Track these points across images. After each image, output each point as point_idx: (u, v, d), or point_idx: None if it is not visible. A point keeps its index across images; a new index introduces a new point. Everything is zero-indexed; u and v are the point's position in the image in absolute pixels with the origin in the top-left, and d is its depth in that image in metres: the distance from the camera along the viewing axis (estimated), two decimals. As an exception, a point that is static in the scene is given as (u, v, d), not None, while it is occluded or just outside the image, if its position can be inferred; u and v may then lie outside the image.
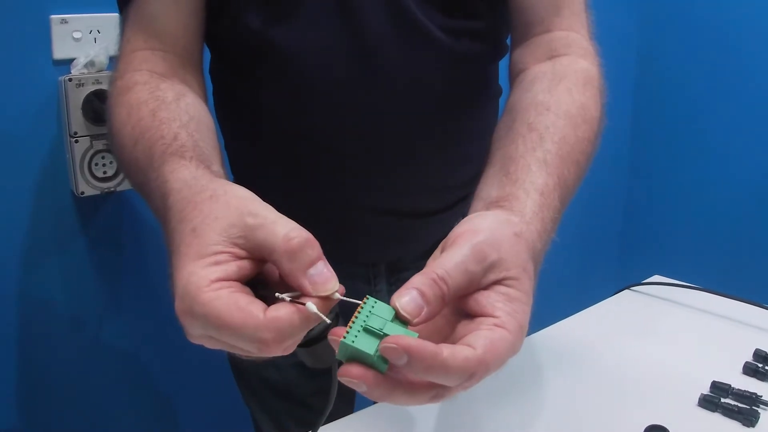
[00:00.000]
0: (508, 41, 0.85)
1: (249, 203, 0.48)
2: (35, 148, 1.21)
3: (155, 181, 0.56)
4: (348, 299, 0.46)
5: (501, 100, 0.94)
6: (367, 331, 0.43)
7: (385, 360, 0.42)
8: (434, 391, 0.44)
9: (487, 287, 0.47)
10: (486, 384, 0.84)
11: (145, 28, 0.74)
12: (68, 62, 1.19)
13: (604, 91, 0.71)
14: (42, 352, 1.30)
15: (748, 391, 0.80)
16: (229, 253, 0.45)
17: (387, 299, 1.02)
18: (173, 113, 0.63)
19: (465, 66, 0.82)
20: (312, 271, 0.45)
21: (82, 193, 1.20)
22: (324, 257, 0.46)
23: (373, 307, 0.44)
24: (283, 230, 0.45)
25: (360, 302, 0.45)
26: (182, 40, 0.76)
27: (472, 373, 0.42)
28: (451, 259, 0.46)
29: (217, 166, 0.58)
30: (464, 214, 0.95)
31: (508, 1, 0.78)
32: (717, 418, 0.77)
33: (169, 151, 0.57)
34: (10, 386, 1.28)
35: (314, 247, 0.46)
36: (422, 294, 0.44)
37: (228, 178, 0.59)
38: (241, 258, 0.46)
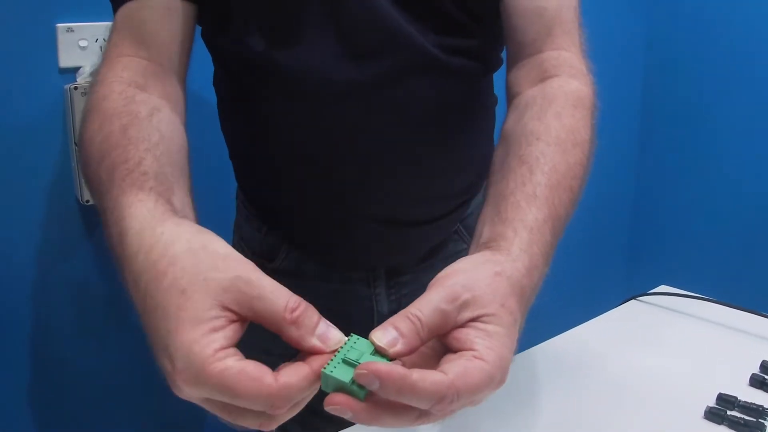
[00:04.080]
0: (503, 55, 0.87)
1: (237, 266, 0.48)
2: (41, 156, 1.21)
3: (112, 212, 0.55)
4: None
5: (497, 109, 0.95)
6: (345, 362, 0.47)
7: (361, 386, 0.46)
8: (417, 411, 0.47)
9: (464, 325, 0.50)
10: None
11: (133, 32, 0.73)
12: (74, 70, 1.19)
13: (595, 111, 0.72)
14: (47, 358, 1.30)
15: (754, 404, 0.79)
16: (224, 317, 0.46)
17: (386, 302, 1.03)
18: (144, 132, 0.61)
19: (459, 80, 0.83)
20: (318, 330, 0.48)
21: (88, 201, 1.20)
22: (320, 315, 0.49)
23: (355, 342, 0.48)
24: (282, 301, 0.47)
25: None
26: (169, 49, 0.74)
27: (441, 396, 0.45)
28: (425, 300, 0.50)
29: (181, 195, 0.58)
30: (461, 220, 0.97)
31: (502, 22, 0.79)
32: (723, 431, 0.77)
33: (129, 179, 0.56)
34: (14, 392, 1.28)
35: (314, 311, 0.49)
36: (396, 328, 0.48)
37: (194, 206, 0.59)
38: (234, 321, 0.47)
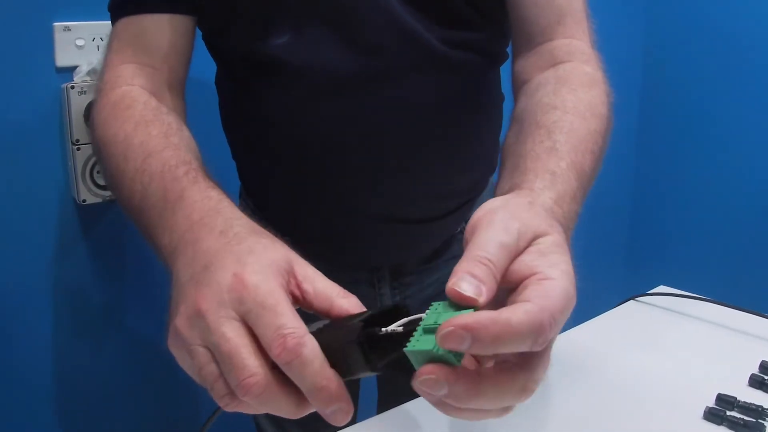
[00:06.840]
0: (508, 49, 0.86)
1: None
2: (37, 156, 1.20)
3: (188, 176, 0.60)
4: (410, 317, 0.44)
5: (504, 106, 0.95)
6: (426, 330, 0.40)
7: (451, 352, 0.39)
8: (520, 381, 0.42)
9: (521, 253, 0.45)
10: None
11: (134, 41, 0.76)
12: (71, 70, 1.19)
13: (610, 94, 0.71)
14: (45, 360, 1.30)
15: (754, 404, 0.78)
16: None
17: (390, 303, 1.02)
18: (182, 141, 0.66)
19: (464, 75, 0.83)
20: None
21: (84, 200, 1.19)
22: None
23: (436, 309, 0.42)
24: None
25: (422, 315, 0.43)
26: (169, 59, 0.77)
27: (539, 324, 0.39)
28: (484, 240, 0.44)
29: None
30: (466, 220, 0.97)
31: (508, 13, 0.78)
32: (722, 432, 0.77)
33: (192, 174, 0.61)
34: (11, 392, 1.28)
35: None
36: (474, 276, 0.42)
37: None
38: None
